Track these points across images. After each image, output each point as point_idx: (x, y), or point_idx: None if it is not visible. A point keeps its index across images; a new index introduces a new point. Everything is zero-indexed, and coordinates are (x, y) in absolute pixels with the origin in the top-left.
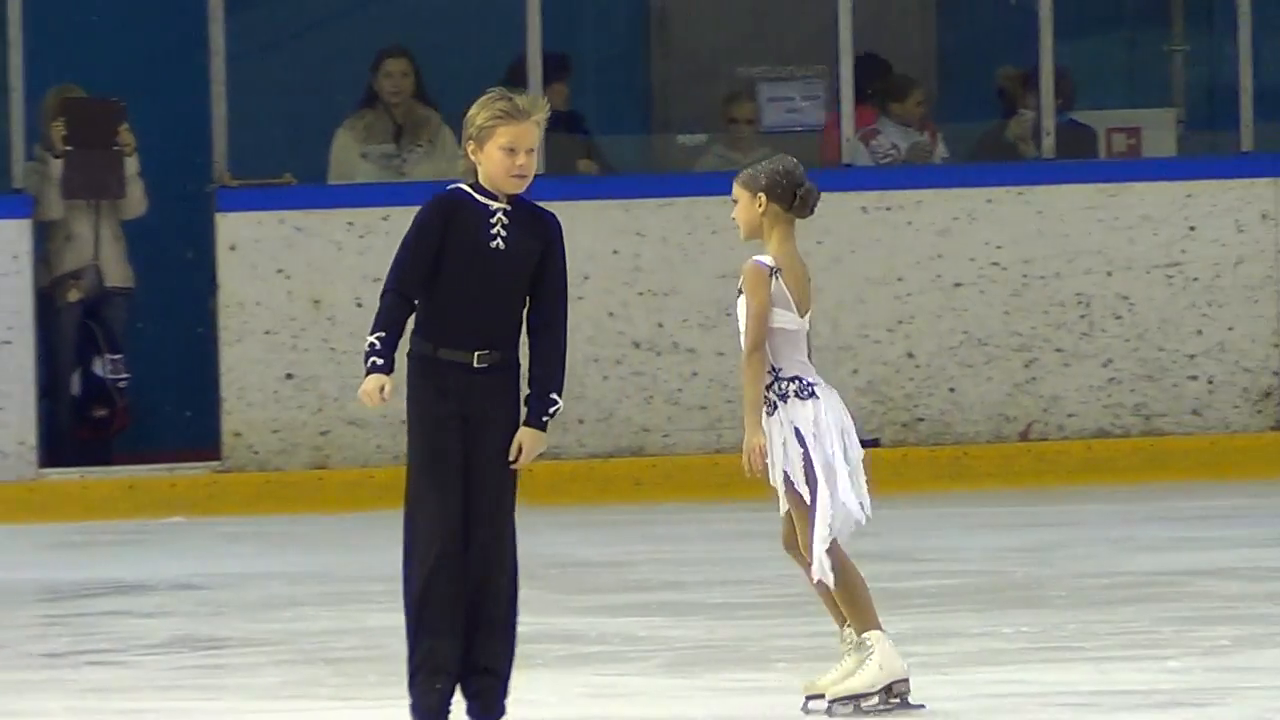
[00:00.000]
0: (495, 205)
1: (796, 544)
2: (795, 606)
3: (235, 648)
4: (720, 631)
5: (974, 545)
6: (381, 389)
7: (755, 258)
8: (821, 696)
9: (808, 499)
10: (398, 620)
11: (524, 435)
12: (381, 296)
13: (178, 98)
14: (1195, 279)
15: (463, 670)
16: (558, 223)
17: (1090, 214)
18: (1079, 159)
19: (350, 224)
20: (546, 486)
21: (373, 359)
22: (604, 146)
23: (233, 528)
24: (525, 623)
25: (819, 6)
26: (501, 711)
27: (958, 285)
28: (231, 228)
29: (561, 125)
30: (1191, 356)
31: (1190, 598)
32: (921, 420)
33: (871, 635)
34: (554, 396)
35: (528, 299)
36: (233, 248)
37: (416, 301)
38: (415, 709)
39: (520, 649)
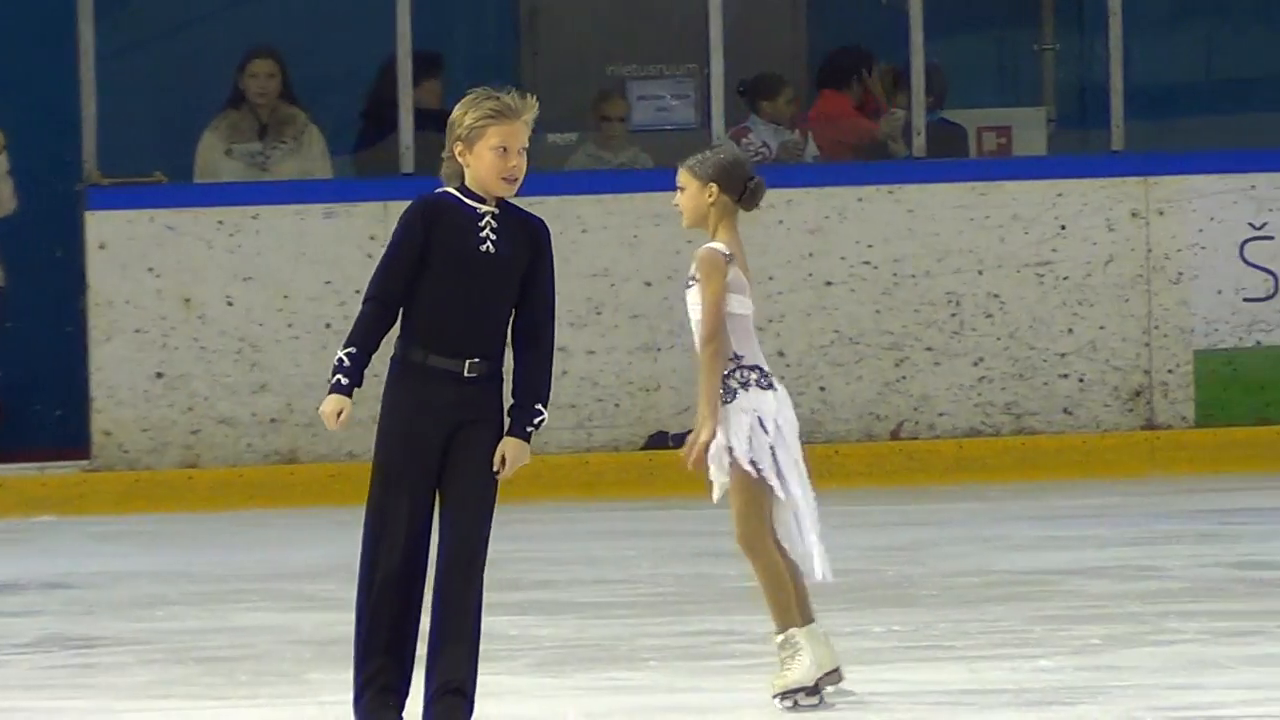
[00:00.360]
0: (484, 209)
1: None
2: (666, 605)
3: (105, 646)
4: (590, 630)
5: (845, 544)
6: (339, 414)
7: (710, 245)
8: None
9: (780, 491)
10: (267, 619)
11: (508, 445)
12: (362, 303)
13: (47, 96)
14: (1066, 278)
15: (428, 691)
16: (546, 229)
17: (961, 213)
18: (950, 158)
19: (220, 222)
20: None
21: (338, 376)
22: None
23: (102, 527)
24: None
25: (689, 5)
26: None
27: (828, 284)
28: (101, 226)
29: (434, 124)
30: (1062, 355)
31: (1061, 596)
32: None
33: (796, 632)
34: (539, 407)
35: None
36: (102, 246)
37: (402, 308)
38: None
39: None
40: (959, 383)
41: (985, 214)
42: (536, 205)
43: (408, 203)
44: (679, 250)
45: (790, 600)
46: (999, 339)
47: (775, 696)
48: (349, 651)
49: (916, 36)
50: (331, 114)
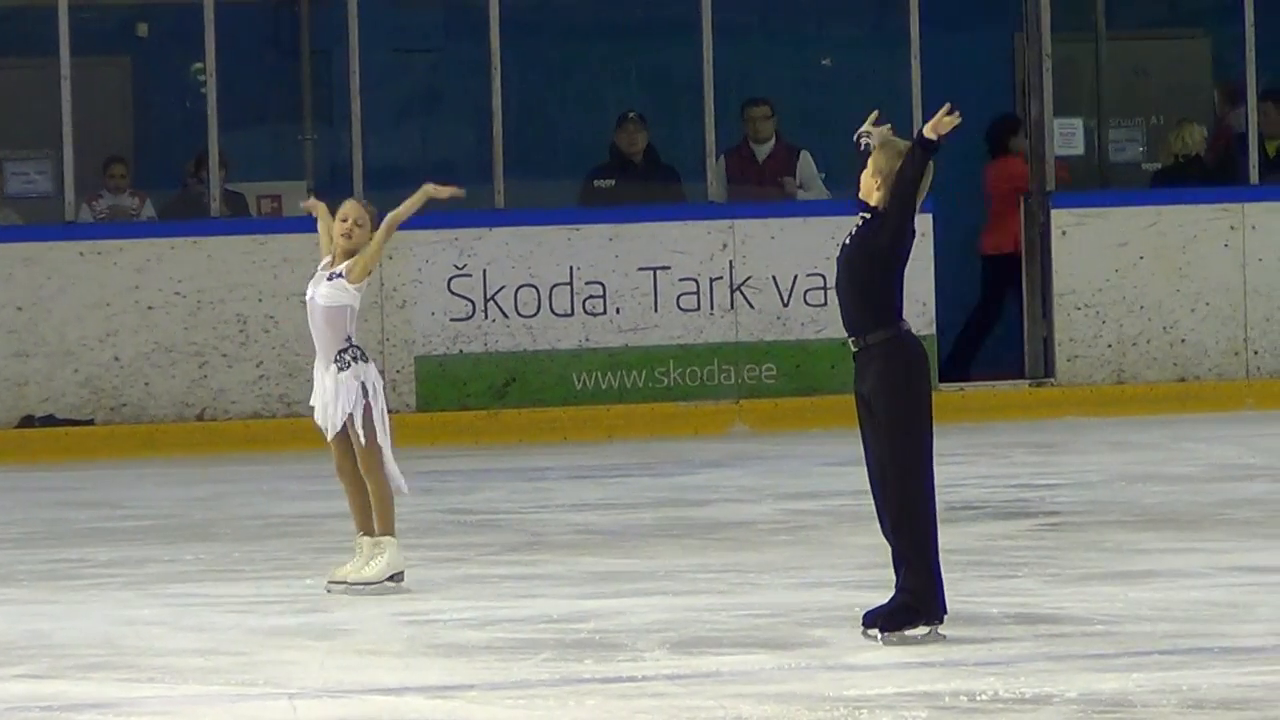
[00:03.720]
0: None
1: (348, 470)
2: (35, 540)
3: None
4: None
5: (162, 496)
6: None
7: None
8: (341, 582)
9: (364, 439)
10: None
11: None
12: None
13: None
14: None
15: None
16: None
17: (246, 256)
18: (237, 217)
19: None
20: None
21: None
22: None
23: None
24: None
25: (47, 104)
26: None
27: (150, 308)
28: None
29: None
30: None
31: (319, 535)
32: (125, 405)
33: (388, 539)
34: None
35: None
36: None
37: None
38: None
39: None
40: (245, 379)
41: (264, 257)
42: None
43: None
44: (51, 294)
45: (394, 512)
46: (274, 348)
47: (354, 583)
48: None
49: (213, 131)
50: None
